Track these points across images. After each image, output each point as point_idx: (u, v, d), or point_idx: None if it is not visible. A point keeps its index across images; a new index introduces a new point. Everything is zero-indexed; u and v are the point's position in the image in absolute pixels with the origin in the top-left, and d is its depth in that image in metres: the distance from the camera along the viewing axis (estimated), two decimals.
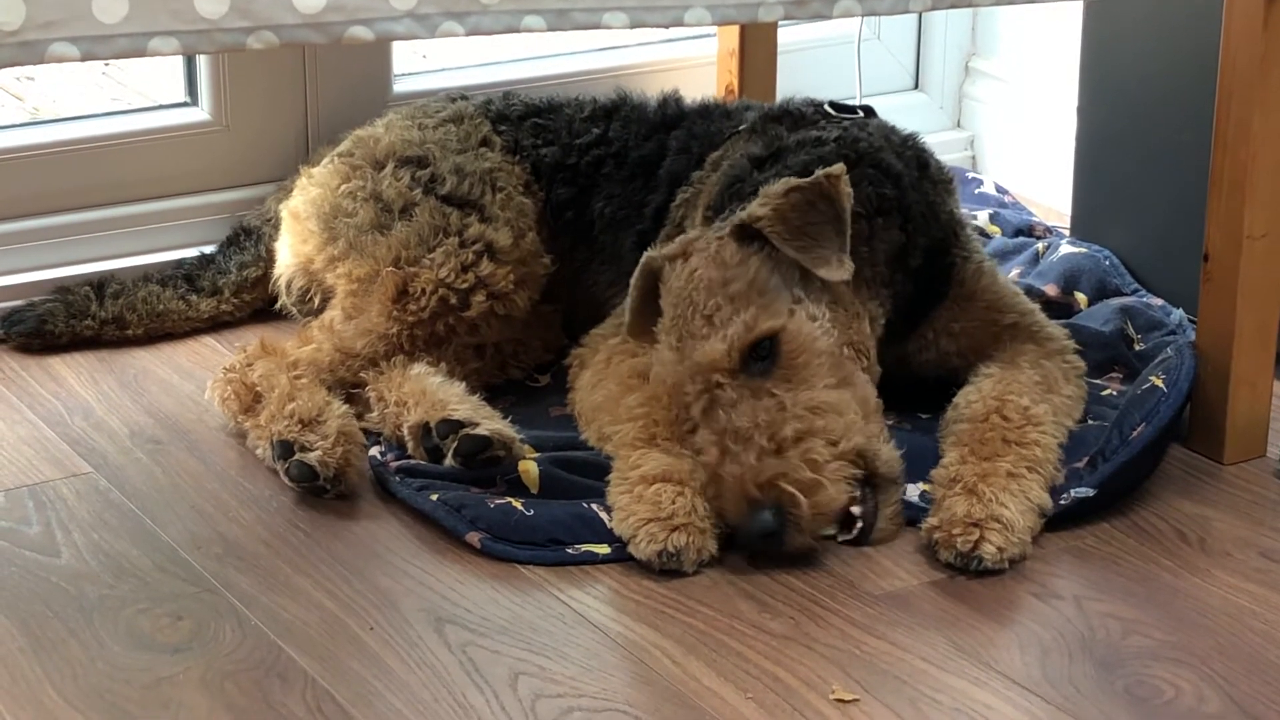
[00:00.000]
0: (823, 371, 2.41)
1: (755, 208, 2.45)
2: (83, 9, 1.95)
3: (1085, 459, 2.52)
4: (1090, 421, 2.63)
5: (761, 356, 2.40)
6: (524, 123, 2.95)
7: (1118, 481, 2.50)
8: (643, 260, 2.55)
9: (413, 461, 2.56)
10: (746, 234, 2.45)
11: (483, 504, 2.45)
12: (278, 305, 2.99)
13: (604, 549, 2.41)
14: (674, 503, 2.38)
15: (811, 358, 2.41)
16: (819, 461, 2.34)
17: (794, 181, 2.47)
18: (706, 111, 2.92)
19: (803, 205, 2.43)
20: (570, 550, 2.41)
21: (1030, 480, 2.43)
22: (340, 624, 2.27)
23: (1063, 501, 2.46)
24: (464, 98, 3.03)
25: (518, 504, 2.45)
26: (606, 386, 2.61)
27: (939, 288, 2.67)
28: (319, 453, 2.51)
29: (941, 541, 2.38)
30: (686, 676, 2.17)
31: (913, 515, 2.47)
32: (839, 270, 2.43)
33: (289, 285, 2.93)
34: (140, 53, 1.99)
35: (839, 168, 2.46)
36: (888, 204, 2.59)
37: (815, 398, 2.38)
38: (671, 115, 2.92)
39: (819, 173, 2.47)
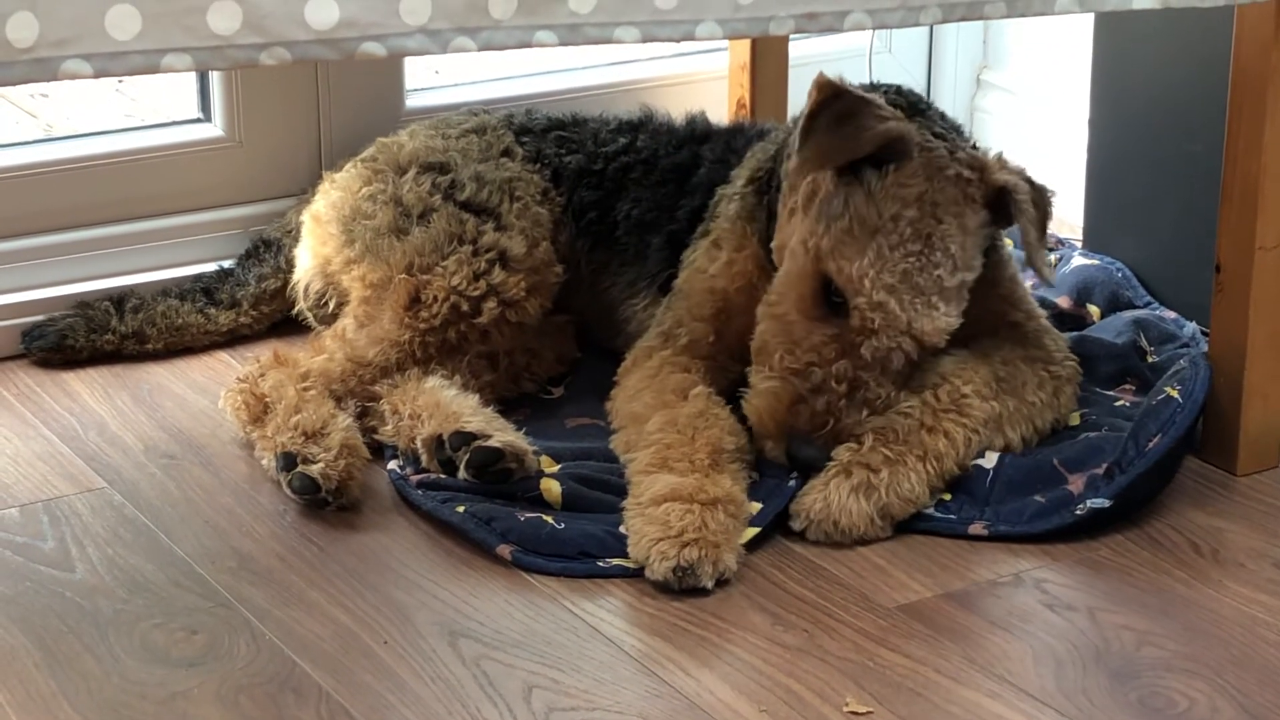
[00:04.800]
0: None
1: (1016, 178, 2.52)
2: (95, 26, 1.95)
3: (1103, 467, 2.52)
4: (1105, 431, 2.63)
5: None
6: (547, 135, 2.97)
7: (1134, 492, 2.50)
8: (824, 82, 2.49)
9: (433, 476, 2.56)
10: (999, 201, 2.53)
11: (513, 517, 2.45)
12: (295, 312, 2.99)
13: (635, 563, 2.40)
14: (682, 519, 2.36)
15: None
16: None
17: (1035, 181, 2.57)
18: (740, 129, 2.94)
19: (1045, 204, 2.56)
20: (601, 564, 2.40)
21: (909, 470, 2.47)
22: (354, 638, 2.27)
23: (1079, 512, 2.47)
24: (486, 112, 3.04)
25: (548, 518, 2.45)
26: (644, 398, 2.61)
27: None
28: (321, 465, 2.51)
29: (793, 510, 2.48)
30: (700, 689, 2.18)
31: (934, 528, 2.49)
32: (1051, 272, 2.56)
33: (306, 289, 2.93)
34: (153, 69, 1.99)
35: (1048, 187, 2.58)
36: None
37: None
38: (701, 130, 2.94)
39: (1046, 188, 2.58)
